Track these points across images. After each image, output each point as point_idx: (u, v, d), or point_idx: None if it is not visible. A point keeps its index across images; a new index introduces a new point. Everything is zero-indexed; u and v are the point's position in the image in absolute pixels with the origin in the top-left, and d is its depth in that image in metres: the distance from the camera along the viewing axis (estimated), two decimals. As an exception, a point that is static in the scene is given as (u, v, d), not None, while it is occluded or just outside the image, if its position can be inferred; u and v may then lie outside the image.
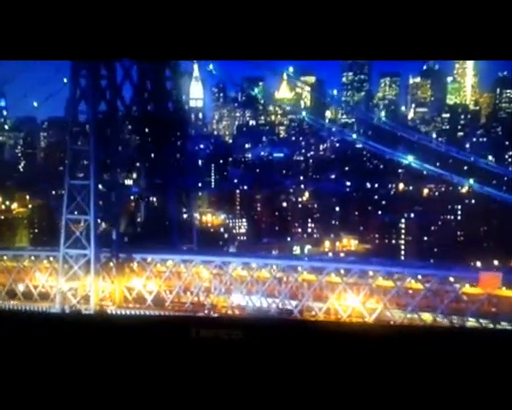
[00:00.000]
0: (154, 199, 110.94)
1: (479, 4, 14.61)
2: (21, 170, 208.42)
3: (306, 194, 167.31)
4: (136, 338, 13.32)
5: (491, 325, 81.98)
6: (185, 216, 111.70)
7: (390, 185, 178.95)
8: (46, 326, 14.05)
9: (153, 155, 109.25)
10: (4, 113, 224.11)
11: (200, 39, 15.44)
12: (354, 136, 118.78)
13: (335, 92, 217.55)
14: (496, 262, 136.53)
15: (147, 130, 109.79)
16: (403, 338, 13.15)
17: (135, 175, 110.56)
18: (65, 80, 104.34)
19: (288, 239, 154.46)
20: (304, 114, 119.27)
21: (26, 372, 12.84)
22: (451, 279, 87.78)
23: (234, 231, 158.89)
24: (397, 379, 12.27)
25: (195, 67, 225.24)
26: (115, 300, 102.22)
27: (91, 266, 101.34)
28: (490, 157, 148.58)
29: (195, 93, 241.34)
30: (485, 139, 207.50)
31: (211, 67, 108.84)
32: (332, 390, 12.32)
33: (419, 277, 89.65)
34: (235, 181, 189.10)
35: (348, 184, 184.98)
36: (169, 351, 13.00)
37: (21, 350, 13.14)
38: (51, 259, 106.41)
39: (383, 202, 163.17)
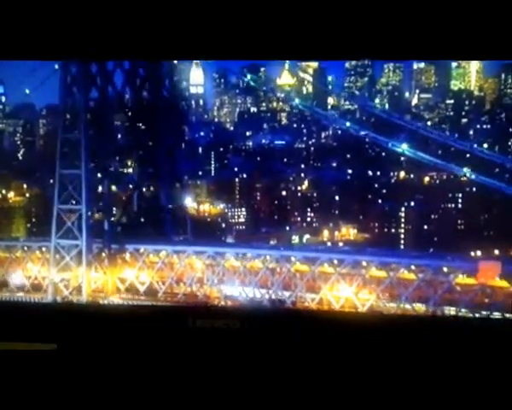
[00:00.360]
0: (148, 189, 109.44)
1: (479, 4, 14.56)
2: (20, 158, 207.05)
3: (306, 182, 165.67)
4: (133, 328, 13.41)
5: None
6: (179, 206, 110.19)
7: (392, 174, 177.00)
8: (43, 315, 14.24)
9: (145, 144, 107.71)
10: (3, 99, 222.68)
11: (199, 39, 15.31)
12: (348, 124, 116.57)
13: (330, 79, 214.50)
14: (496, 251, 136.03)
15: (139, 117, 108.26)
16: (400, 328, 13.22)
17: (128, 164, 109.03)
18: (56, 67, 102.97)
19: (287, 228, 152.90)
20: (297, 101, 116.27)
21: (27, 364, 12.85)
22: (445, 269, 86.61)
23: (232, 221, 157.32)
24: (393, 368, 12.40)
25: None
26: (108, 291, 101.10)
27: (83, 256, 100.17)
28: (485, 145, 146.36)
29: (196, 79, 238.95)
30: (489, 126, 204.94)
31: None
32: (329, 379, 12.40)
33: (412, 267, 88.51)
34: (235, 169, 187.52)
35: (350, 172, 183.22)
36: (166, 341, 13.11)
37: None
38: (44, 249, 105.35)
39: (383, 191, 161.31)
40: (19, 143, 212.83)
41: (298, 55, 15.73)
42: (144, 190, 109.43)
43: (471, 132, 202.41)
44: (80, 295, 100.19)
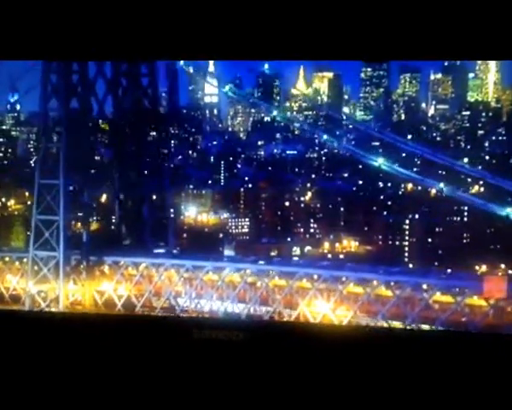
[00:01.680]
0: (129, 199, 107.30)
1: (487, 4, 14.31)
2: (33, 165, 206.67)
3: (309, 193, 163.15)
4: (134, 339, 13.25)
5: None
6: (161, 217, 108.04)
7: (402, 185, 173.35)
8: (44, 326, 13.91)
9: (127, 154, 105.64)
10: (17, 107, 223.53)
11: (199, 39, 15.21)
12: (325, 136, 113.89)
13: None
14: (503, 265, 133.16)
15: (121, 128, 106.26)
16: (402, 342, 13.14)
17: (108, 174, 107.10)
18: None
19: (288, 239, 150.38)
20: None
21: (24, 373, 12.77)
22: (424, 287, 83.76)
23: (232, 232, 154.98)
24: (398, 380, 12.33)
25: (211, 62, 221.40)
26: (85, 304, 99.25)
27: (60, 268, 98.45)
28: (465, 159, 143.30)
29: (210, 89, 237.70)
30: (504, 138, 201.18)
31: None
32: (331, 393, 12.36)
33: (391, 283, 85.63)
34: (242, 179, 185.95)
35: (360, 182, 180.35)
36: (169, 352, 12.96)
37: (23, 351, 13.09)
38: (25, 260, 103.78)
39: (388, 203, 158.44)
40: (32, 150, 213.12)
41: (300, 55, 15.62)
42: (126, 200, 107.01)
43: (486, 144, 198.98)
44: (57, 308, 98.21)
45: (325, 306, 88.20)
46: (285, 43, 14.95)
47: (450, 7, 14.26)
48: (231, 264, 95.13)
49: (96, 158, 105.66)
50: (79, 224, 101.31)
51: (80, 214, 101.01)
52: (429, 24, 14.39)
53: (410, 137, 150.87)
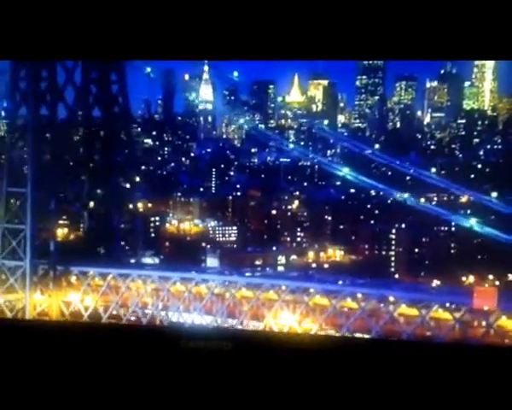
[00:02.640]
0: (97, 209, 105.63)
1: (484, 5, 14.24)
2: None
3: (296, 202, 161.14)
4: (125, 348, 13.16)
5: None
6: (130, 227, 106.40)
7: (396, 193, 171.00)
8: (37, 335, 13.79)
9: (96, 162, 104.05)
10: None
11: (199, 39, 14.98)
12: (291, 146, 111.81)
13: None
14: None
15: (91, 135, 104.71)
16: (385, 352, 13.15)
17: (78, 182, 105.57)
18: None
19: (274, 248, 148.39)
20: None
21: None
22: (391, 299, 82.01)
23: (219, 240, 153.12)
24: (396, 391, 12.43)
25: (206, 68, 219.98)
26: (52, 314, 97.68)
27: (27, 278, 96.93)
28: (433, 169, 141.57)
29: (205, 96, 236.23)
30: (500, 147, 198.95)
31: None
32: (322, 401, 12.31)
33: (359, 295, 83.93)
34: (234, 186, 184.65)
35: (353, 191, 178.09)
36: (158, 362, 12.91)
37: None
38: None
39: (376, 212, 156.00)
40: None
41: (299, 55, 15.61)
42: (95, 209, 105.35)
43: (481, 152, 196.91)
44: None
45: (291, 318, 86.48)
46: (280, 43, 14.86)
47: (448, 7, 14.29)
48: (197, 275, 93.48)
49: (64, 166, 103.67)
50: (47, 233, 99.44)
51: (48, 223, 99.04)
52: (427, 24, 14.42)
53: (377, 146, 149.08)
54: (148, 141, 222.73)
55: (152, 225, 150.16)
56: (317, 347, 13.45)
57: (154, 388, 12.68)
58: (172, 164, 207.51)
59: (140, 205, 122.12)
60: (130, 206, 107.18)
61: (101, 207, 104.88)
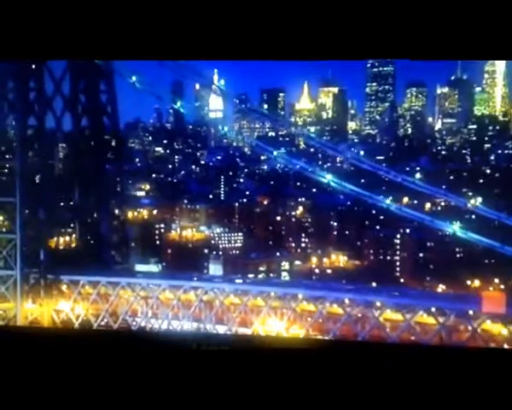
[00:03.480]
0: (89, 217, 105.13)
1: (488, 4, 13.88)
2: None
3: (300, 208, 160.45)
4: (132, 354, 12.99)
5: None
6: (120, 236, 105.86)
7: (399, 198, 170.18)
8: (42, 342, 13.61)
9: (86, 173, 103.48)
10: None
11: (199, 39, 14.97)
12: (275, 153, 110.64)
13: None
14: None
15: (79, 145, 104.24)
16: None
17: (68, 192, 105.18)
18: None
19: (278, 254, 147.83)
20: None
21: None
22: (378, 304, 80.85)
23: (224, 247, 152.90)
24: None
25: (215, 78, 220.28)
26: (43, 323, 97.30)
27: (18, 287, 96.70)
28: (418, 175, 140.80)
29: (215, 105, 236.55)
30: (511, 151, 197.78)
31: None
32: (322, 402, 12.23)
33: (346, 300, 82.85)
34: (243, 193, 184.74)
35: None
36: (167, 367, 12.69)
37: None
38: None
39: (381, 217, 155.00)
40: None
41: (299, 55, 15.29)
42: (85, 218, 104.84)
43: (492, 157, 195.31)
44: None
45: (279, 324, 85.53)
46: (283, 43, 14.65)
47: (454, 6, 13.95)
48: (186, 282, 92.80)
49: (54, 175, 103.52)
50: (37, 242, 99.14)
51: (38, 232, 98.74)
52: (434, 23, 14.09)
53: (362, 153, 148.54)
54: (159, 149, 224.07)
55: (157, 232, 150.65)
56: (322, 352, 13.24)
57: (149, 394, 12.47)
58: (182, 172, 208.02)
59: (145, 212, 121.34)
60: (117, 212, 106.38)
61: (91, 216, 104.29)
